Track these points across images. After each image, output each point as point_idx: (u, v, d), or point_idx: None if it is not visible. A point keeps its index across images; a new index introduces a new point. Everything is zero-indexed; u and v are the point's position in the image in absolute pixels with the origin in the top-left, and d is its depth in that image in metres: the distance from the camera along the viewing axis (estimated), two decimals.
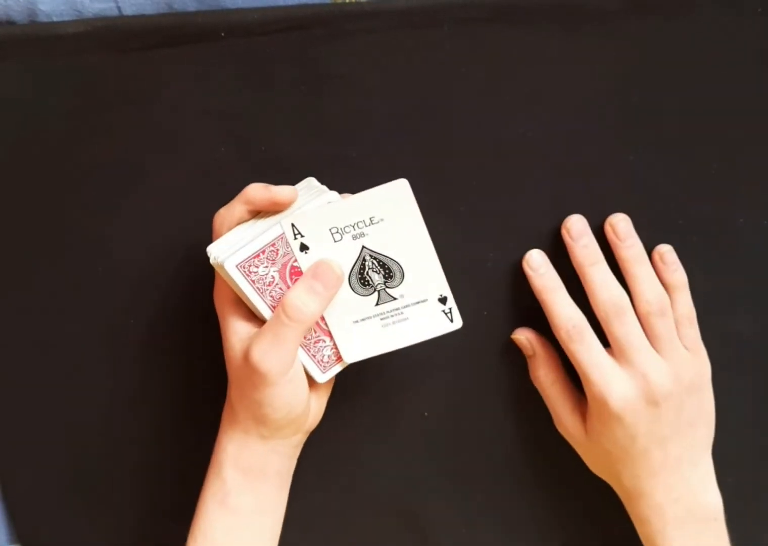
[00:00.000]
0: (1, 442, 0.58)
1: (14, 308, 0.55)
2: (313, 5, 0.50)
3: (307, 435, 0.51)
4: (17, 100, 0.51)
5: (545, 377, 0.54)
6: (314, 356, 0.48)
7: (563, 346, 0.52)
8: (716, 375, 0.54)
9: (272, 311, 0.46)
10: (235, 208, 0.46)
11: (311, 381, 0.48)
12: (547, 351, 0.54)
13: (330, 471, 0.60)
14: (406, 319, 0.48)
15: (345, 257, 0.46)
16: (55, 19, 0.50)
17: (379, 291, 0.47)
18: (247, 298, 0.46)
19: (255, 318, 0.47)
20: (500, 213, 0.54)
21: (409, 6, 0.50)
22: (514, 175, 0.53)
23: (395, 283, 0.47)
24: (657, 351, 0.50)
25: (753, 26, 0.51)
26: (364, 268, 0.46)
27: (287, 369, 0.45)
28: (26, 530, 0.61)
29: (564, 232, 0.52)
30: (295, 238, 0.45)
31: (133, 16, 0.50)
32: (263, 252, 0.45)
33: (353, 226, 0.45)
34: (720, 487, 0.53)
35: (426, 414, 0.58)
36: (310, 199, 0.47)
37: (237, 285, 0.45)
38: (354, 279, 0.47)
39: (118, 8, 0.50)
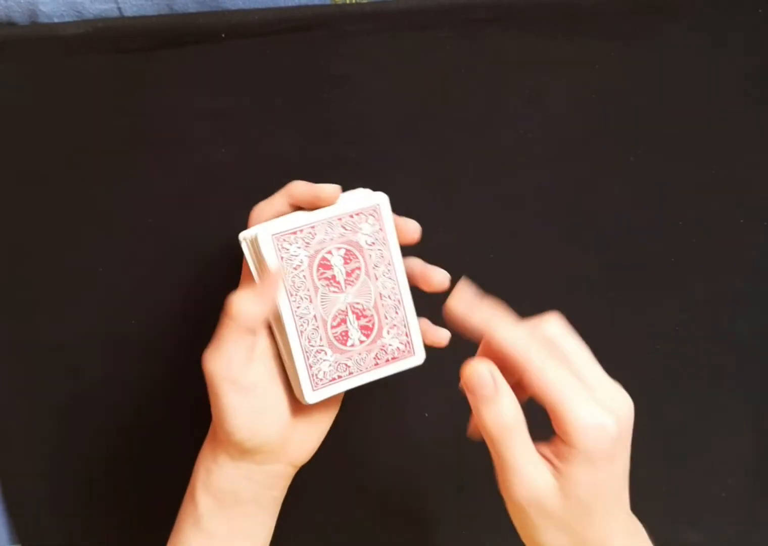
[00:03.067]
0: (1, 442, 0.58)
1: (14, 308, 0.55)
2: (314, 6, 0.50)
3: (296, 468, 0.48)
4: (17, 100, 0.51)
5: (514, 417, 0.40)
6: (311, 367, 0.45)
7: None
8: (716, 375, 0.54)
9: (287, 295, 0.44)
10: (276, 200, 0.45)
11: (299, 407, 0.46)
12: (511, 381, 0.42)
13: (331, 471, 0.60)
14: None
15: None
16: (55, 20, 0.50)
17: None
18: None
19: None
20: (500, 213, 0.54)
21: (410, 7, 0.50)
22: (515, 176, 0.53)
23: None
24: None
25: (753, 27, 0.51)
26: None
27: (231, 373, 0.43)
28: (26, 530, 0.61)
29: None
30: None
31: (134, 17, 0.50)
32: (301, 231, 0.44)
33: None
34: (719, 488, 0.53)
35: (426, 414, 0.58)
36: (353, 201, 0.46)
37: (264, 259, 0.43)
38: None
39: (119, 9, 0.50)
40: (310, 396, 0.45)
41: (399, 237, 0.46)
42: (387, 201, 0.45)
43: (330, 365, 0.46)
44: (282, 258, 0.44)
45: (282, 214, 0.46)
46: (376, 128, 0.52)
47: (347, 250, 0.45)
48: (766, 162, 0.54)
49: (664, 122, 0.53)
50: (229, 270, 0.55)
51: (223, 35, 0.49)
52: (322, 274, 0.45)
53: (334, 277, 0.45)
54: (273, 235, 0.43)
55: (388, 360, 0.47)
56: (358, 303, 0.46)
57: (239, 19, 0.49)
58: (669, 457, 0.62)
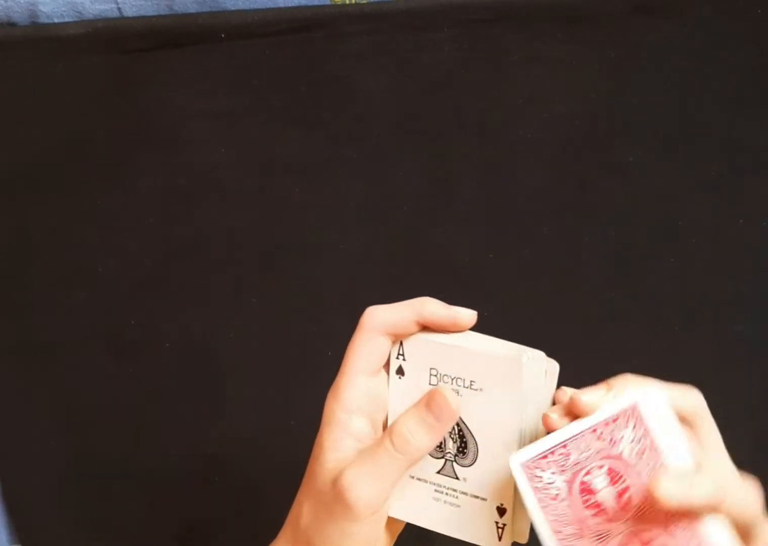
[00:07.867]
0: (1, 442, 0.58)
1: (14, 308, 0.55)
2: (313, 6, 0.50)
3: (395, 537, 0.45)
4: (18, 100, 0.51)
5: None
6: None
7: None
8: (716, 375, 0.54)
9: (553, 532, 0.37)
10: (401, 312, 0.40)
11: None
12: None
13: None
14: (458, 506, 0.40)
15: None
16: (55, 20, 0.50)
17: (446, 460, 0.40)
18: (523, 506, 0.38)
19: (367, 438, 0.40)
20: (500, 214, 0.54)
21: (409, 8, 0.50)
22: (514, 176, 0.53)
23: (466, 462, 0.40)
24: None
25: (752, 27, 0.51)
26: None
27: (377, 506, 0.39)
28: (26, 530, 0.61)
29: None
30: (397, 358, 0.40)
31: (134, 18, 0.50)
32: (552, 453, 0.37)
33: (452, 380, 0.39)
34: None
35: None
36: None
37: (518, 491, 0.37)
38: None
39: (119, 9, 0.50)
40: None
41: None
42: (644, 397, 0.36)
43: None
44: (536, 488, 0.37)
45: (404, 330, 0.40)
46: (375, 128, 0.52)
47: (610, 467, 0.36)
48: (766, 162, 0.54)
49: (664, 122, 0.53)
50: (228, 270, 0.55)
51: (223, 35, 0.49)
52: (587, 500, 0.37)
53: (599, 503, 0.36)
54: (522, 463, 0.37)
55: None
56: (643, 530, 0.36)
57: (239, 19, 0.49)
58: None
